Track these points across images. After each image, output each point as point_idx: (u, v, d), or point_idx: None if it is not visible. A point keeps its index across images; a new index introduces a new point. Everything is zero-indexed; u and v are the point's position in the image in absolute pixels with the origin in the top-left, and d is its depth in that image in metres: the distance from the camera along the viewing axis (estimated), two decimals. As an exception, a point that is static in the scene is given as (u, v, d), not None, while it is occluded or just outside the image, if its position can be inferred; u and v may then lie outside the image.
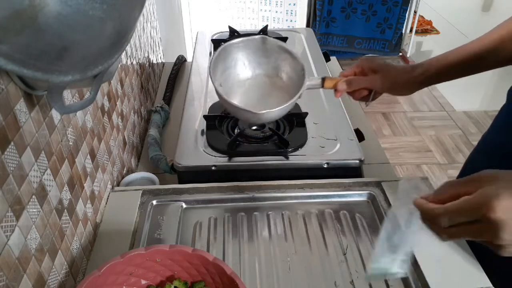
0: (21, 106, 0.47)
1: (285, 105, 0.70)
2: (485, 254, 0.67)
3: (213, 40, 1.30)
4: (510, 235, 0.38)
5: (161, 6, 1.55)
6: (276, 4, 2.51)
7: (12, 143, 0.45)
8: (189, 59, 1.36)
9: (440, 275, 0.63)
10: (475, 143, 0.85)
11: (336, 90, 0.74)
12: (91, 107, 0.69)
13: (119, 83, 0.87)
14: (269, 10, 2.54)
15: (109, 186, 0.78)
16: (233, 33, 1.33)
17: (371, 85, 0.73)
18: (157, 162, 0.89)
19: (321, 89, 1.07)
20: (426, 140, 2.44)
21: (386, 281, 0.64)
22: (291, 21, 2.56)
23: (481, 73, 0.71)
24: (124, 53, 0.88)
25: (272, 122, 0.90)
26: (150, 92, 1.18)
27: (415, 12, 3.17)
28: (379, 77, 0.72)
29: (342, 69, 1.36)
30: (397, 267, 0.56)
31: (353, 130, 0.90)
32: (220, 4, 2.50)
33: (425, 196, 0.46)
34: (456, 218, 0.41)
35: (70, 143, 0.60)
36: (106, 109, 0.77)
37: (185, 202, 0.77)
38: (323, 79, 0.74)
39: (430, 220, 0.44)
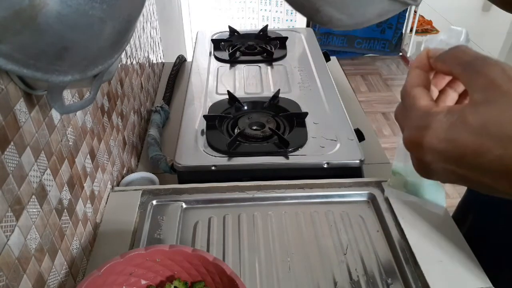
0: (21, 106, 0.47)
1: None
2: (485, 254, 0.67)
3: (213, 40, 1.30)
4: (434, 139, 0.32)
5: (161, 6, 1.55)
6: (276, 4, 2.52)
7: (12, 143, 0.45)
8: (189, 59, 1.36)
9: (440, 275, 0.63)
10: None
11: None
12: (91, 107, 0.69)
13: (119, 83, 0.87)
14: (269, 10, 2.55)
15: (109, 186, 0.78)
16: (233, 33, 1.33)
17: None
18: (157, 162, 0.89)
19: (321, 90, 1.07)
20: (426, 140, 2.44)
21: (386, 281, 0.64)
22: (291, 21, 2.56)
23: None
24: (124, 53, 0.88)
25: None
26: (150, 92, 1.18)
27: (415, 12, 3.17)
28: None
29: (343, 69, 1.36)
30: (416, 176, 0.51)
31: (353, 130, 0.90)
32: (220, 4, 2.50)
33: (431, 55, 0.36)
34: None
35: (70, 143, 0.60)
36: (106, 109, 0.77)
37: (185, 202, 0.77)
38: None
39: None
